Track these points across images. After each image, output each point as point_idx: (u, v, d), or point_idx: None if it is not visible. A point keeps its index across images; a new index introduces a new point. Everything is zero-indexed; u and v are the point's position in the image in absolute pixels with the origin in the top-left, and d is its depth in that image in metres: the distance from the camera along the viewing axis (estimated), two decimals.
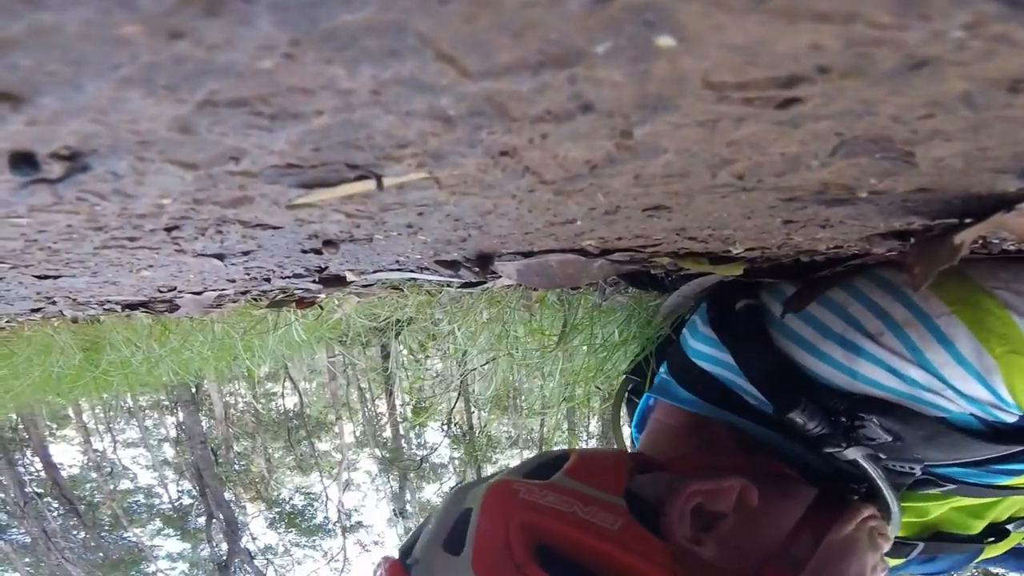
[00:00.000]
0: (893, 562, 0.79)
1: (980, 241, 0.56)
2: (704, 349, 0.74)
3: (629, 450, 0.87)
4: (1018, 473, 0.66)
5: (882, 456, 0.66)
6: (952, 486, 0.69)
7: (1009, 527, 0.78)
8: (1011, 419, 0.62)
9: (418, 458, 10.94)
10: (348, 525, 11.17)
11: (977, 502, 0.75)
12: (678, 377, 0.78)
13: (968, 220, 0.42)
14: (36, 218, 0.36)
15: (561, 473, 0.63)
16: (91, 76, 0.20)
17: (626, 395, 0.97)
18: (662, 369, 0.83)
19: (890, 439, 0.64)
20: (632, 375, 0.96)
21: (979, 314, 0.59)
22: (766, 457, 0.70)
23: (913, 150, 0.30)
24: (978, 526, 0.78)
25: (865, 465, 0.65)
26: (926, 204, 0.41)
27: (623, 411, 0.99)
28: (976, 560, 0.82)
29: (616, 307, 1.07)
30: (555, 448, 0.77)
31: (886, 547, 0.71)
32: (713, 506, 0.62)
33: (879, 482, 0.66)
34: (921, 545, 0.78)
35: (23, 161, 0.26)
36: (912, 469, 0.67)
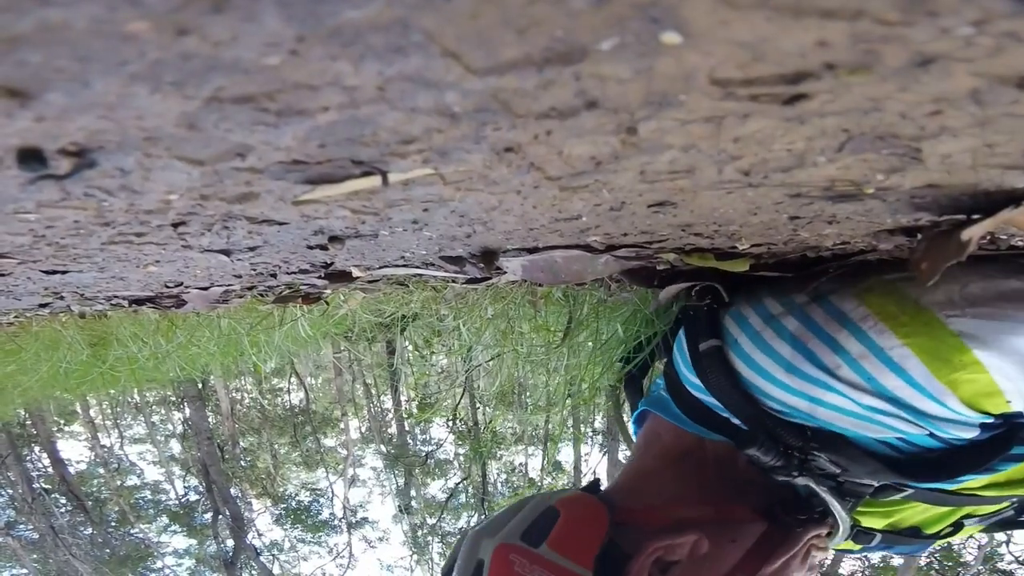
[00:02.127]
0: (851, 546, 0.87)
1: (988, 237, 0.56)
2: (692, 379, 0.79)
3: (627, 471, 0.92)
4: (959, 481, 0.71)
5: (839, 476, 0.73)
6: (909, 491, 0.75)
7: (965, 521, 0.85)
8: (968, 435, 0.66)
9: (423, 454, 10.97)
10: (353, 521, 11.21)
11: (938, 510, 0.81)
12: (674, 398, 0.83)
13: (976, 216, 0.42)
14: (44, 214, 0.36)
15: (545, 544, 0.74)
16: (99, 73, 0.20)
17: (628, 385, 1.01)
18: (660, 383, 0.88)
19: (837, 471, 0.72)
20: (628, 367, 0.99)
21: (933, 343, 0.62)
22: (728, 506, 0.79)
23: (920, 146, 0.30)
24: (938, 527, 0.85)
25: (817, 490, 0.74)
26: (934, 200, 0.41)
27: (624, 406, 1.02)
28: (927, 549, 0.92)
29: (621, 303, 1.07)
30: (550, 492, 0.86)
31: (821, 556, 0.82)
32: (670, 556, 0.74)
33: (830, 504, 0.75)
34: (879, 536, 0.85)
35: (31, 157, 0.26)
36: (870, 481, 0.73)
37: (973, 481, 0.72)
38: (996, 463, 0.68)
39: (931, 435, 0.67)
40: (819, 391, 0.66)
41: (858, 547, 0.87)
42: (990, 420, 0.64)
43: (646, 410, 0.90)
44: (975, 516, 0.84)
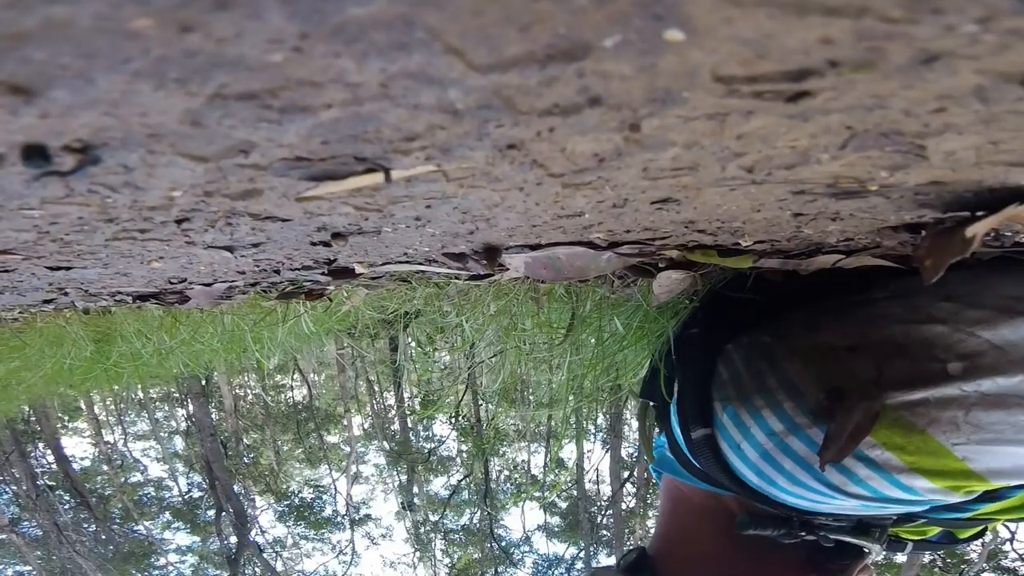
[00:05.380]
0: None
1: (992, 234, 0.56)
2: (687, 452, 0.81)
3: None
4: (973, 510, 0.72)
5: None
6: (925, 520, 0.76)
7: (987, 524, 0.86)
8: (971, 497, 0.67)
9: (426, 451, 10.99)
10: (356, 518, 11.23)
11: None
12: (679, 462, 0.83)
13: (980, 213, 0.42)
14: (48, 210, 0.36)
15: None
16: (103, 69, 0.20)
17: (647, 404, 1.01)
18: (663, 442, 0.88)
19: (841, 524, 0.74)
20: (642, 374, 1.00)
21: (939, 467, 0.63)
22: (772, 571, 0.80)
23: (925, 143, 0.30)
24: (967, 533, 0.85)
25: (836, 537, 0.75)
26: (938, 197, 0.41)
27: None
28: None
29: (624, 299, 1.07)
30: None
31: None
32: None
33: (851, 539, 0.75)
34: (911, 544, 0.85)
35: (35, 154, 0.26)
36: (888, 517, 0.75)
37: (986, 508, 0.72)
38: (1008, 492, 0.69)
39: (932, 508, 0.69)
40: (824, 499, 0.68)
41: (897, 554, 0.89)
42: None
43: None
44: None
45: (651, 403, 0.98)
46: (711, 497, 0.83)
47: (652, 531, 0.95)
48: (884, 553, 0.79)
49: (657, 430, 0.90)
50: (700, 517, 0.85)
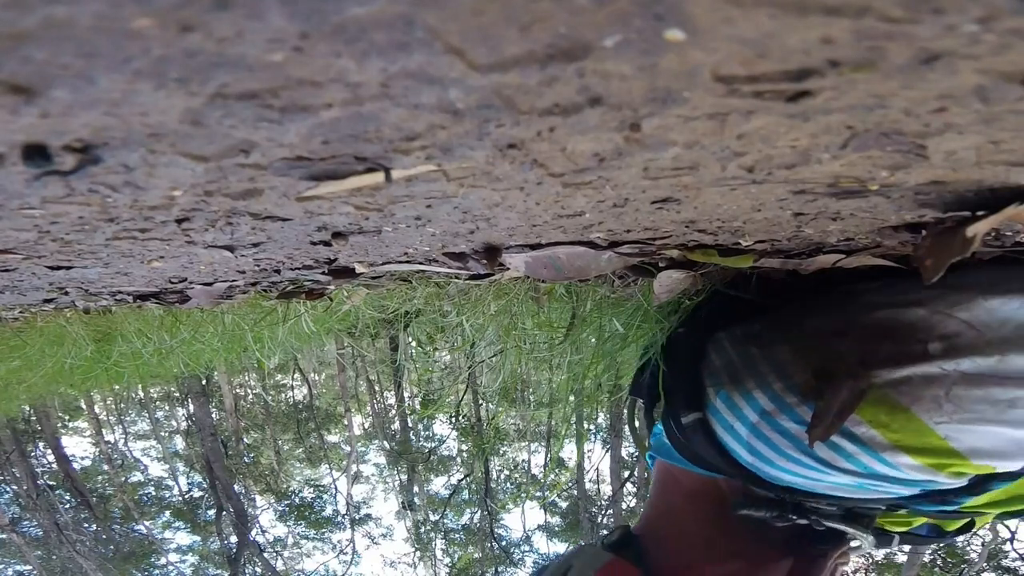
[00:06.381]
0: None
1: (993, 234, 0.56)
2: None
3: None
4: (959, 503, 0.73)
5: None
6: (910, 510, 0.77)
7: (976, 519, 0.86)
8: (959, 484, 0.69)
9: (426, 450, 10.99)
10: (357, 517, 11.23)
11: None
12: (676, 447, 0.84)
13: (981, 213, 0.42)
14: (49, 209, 0.36)
15: None
16: (103, 69, 0.20)
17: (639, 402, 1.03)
18: (660, 430, 0.89)
19: (833, 508, 0.75)
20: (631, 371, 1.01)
21: (922, 445, 0.64)
22: (756, 555, 0.81)
23: (925, 143, 0.30)
24: (954, 526, 0.87)
25: (827, 523, 0.76)
26: (938, 197, 0.41)
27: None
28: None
29: (625, 299, 1.07)
30: (591, 553, 0.90)
31: (846, 568, 0.85)
32: None
33: (847, 531, 0.77)
34: (897, 537, 0.87)
35: (36, 153, 0.26)
36: (878, 504, 0.75)
37: (971, 502, 0.73)
38: (994, 484, 0.71)
39: (921, 491, 0.70)
40: (816, 475, 0.70)
41: (883, 550, 0.90)
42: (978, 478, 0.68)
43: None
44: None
45: (639, 399, 1.01)
46: (703, 481, 0.84)
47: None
48: (873, 545, 0.80)
49: (656, 417, 0.90)
50: (689, 499, 0.86)
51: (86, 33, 0.18)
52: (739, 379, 0.74)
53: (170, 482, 11.35)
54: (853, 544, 0.83)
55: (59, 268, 0.60)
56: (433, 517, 10.41)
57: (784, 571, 0.79)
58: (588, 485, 9.70)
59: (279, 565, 10.87)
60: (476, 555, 10.24)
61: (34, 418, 10.10)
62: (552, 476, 8.84)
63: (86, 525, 10.47)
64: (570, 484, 9.67)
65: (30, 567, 9.75)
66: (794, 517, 0.75)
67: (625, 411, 1.10)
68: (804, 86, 0.24)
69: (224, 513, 10.52)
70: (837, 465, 0.67)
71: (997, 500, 0.74)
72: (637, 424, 1.03)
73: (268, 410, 11.65)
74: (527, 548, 10.16)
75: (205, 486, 10.81)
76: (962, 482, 0.68)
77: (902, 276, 0.68)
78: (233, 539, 10.68)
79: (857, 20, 0.19)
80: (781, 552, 0.79)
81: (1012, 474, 0.69)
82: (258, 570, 10.96)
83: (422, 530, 10.52)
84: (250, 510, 10.96)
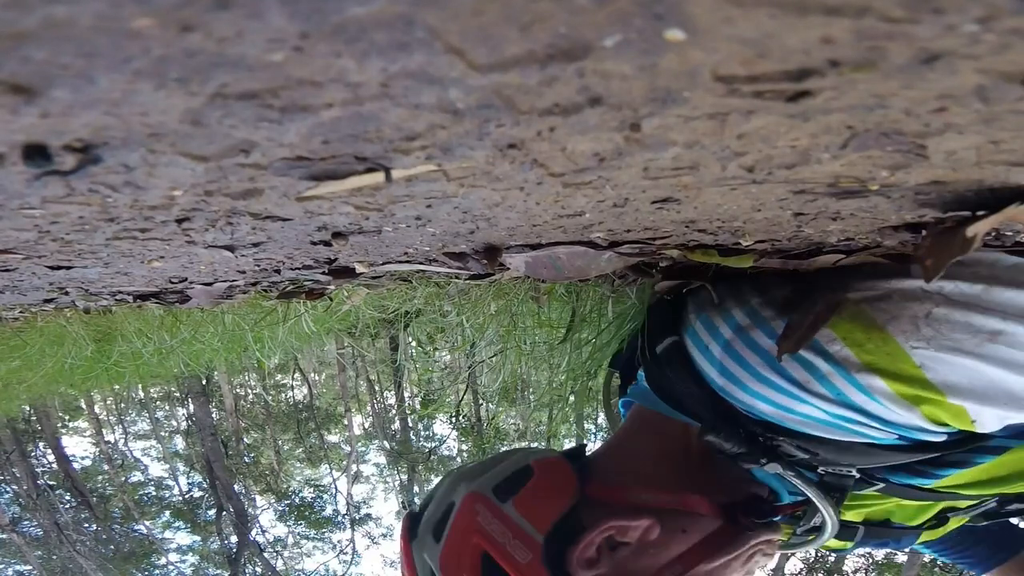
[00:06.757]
0: (839, 544, 0.88)
1: (993, 233, 0.56)
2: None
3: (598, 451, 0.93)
4: (938, 477, 0.72)
5: (816, 465, 0.74)
6: (883, 485, 0.76)
7: (949, 515, 0.86)
8: (937, 438, 0.67)
9: (426, 450, 10.99)
10: (357, 517, 11.24)
11: (914, 504, 0.83)
12: (657, 392, 0.84)
13: (981, 212, 0.42)
14: (49, 209, 0.36)
15: (511, 502, 0.78)
16: (103, 69, 0.20)
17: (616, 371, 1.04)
18: (641, 376, 0.88)
19: (806, 456, 0.73)
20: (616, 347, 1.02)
21: (896, 370, 0.63)
22: (690, 497, 0.80)
23: (925, 143, 0.30)
24: (920, 519, 0.86)
25: (787, 476, 0.74)
26: (938, 197, 0.41)
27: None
28: (915, 543, 0.93)
29: (625, 298, 1.07)
30: (535, 449, 0.90)
31: (765, 562, 0.83)
32: (621, 537, 0.76)
33: (816, 501, 0.75)
34: (863, 529, 0.86)
35: (36, 153, 0.26)
36: (849, 472, 0.74)
37: (953, 477, 0.72)
38: (974, 457, 0.70)
39: (899, 437, 0.68)
40: (789, 400, 0.68)
41: (849, 544, 0.88)
42: (956, 431, 0.66)
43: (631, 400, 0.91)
44: (958, 509, 0.85)
45: (615, 371, 1.02)
46: (680, 426, 0.83)
47: None
48: (836, 528, 0.78)
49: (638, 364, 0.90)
50: (653, 438, 0.85)
51: (86, 33, 0.18)
52: (721, 302, 0.74)
53: (170, 482, 11.37)
54: (812, 538, 0.82)
55: (59, 268, 0.60)
56: None
57: (708, 529, 0.78)
58: None
59: (279, 565, 10.88)
60: None
61: (34, 418, 10.10)
62: None
63: (86, 525, 10.48)
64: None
65: (30, 567, 9.76)
66: (764, 460, 0.73)
67: (603, 385, 1.10)
68: (804, 86, 0.24)
69: (224, 513, 10.53)
70: (810, 388, 0.66)
71: (976, 480, 0.73)
72: (612, 400, 1.04)
73: (268, 410, 11.66)
74: None
75: (205, 486, 10.82)
76: (941, 435, 0.66)
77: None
78: (233, 539, 10.69)
79: (857, 20, 0.19)
80: (715, 512, 0.79)
81: (991, 448, 0.69)
82: (258, 570, 10.97)
83: None
84: (250, 510, 10.97)
